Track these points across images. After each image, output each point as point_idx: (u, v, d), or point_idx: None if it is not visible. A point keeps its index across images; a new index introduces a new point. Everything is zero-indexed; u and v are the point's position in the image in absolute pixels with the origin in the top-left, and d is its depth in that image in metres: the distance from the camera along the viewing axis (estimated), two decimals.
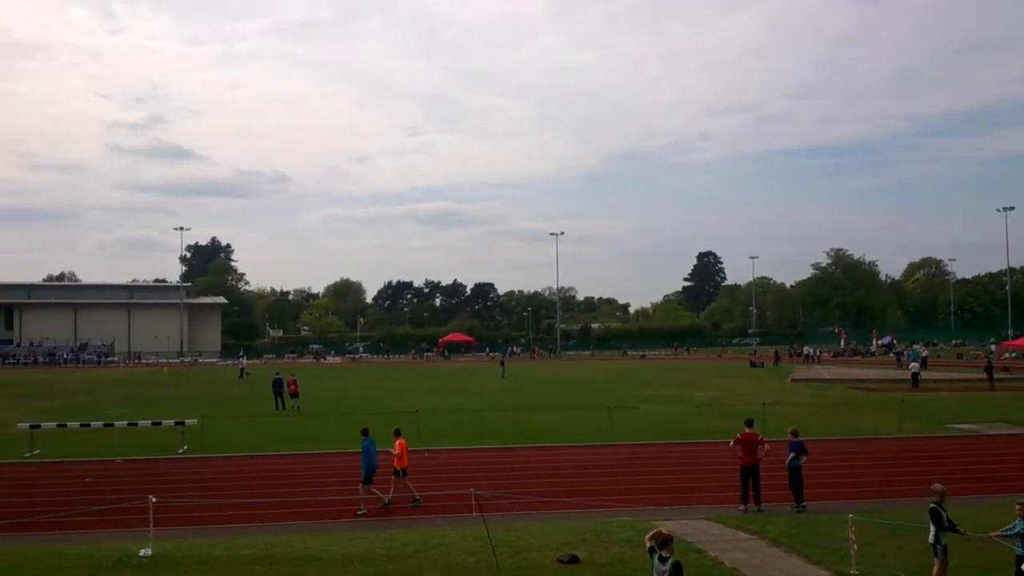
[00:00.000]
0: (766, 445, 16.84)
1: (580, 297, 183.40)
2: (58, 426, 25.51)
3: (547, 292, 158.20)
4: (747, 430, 16.97)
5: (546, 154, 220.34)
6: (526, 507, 16.30)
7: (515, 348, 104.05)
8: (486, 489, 16.58)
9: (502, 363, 61.48)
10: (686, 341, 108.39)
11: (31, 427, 24.36)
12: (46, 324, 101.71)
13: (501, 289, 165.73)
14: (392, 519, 16.33)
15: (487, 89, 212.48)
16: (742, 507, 16.53)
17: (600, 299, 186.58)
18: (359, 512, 16.64)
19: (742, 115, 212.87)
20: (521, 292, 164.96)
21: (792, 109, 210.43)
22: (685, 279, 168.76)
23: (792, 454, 16.56)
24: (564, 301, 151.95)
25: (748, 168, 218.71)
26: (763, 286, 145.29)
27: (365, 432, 17.26)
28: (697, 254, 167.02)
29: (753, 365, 65.40)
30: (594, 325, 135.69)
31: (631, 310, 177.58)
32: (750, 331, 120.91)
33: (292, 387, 36.06)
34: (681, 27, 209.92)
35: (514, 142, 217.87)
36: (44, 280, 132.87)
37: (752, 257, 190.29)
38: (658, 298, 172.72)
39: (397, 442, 17.30)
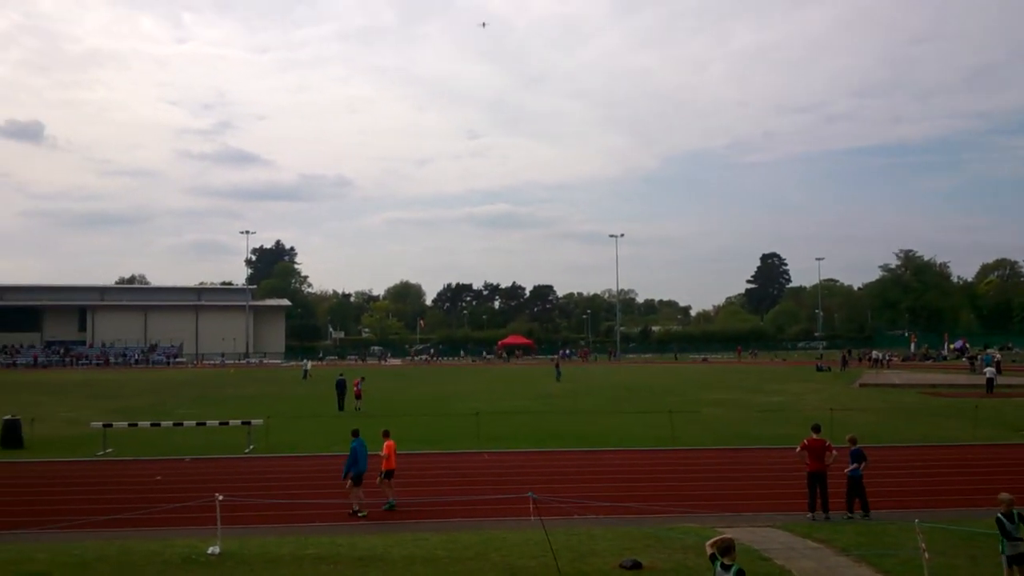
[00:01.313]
0: (834, 451, 16.43)
1: (640, 300, 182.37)
2: (129, 425, 26.20)
3: (607, 295, 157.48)
4: (814, 436, 16.58)
5: (606, 156, 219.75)
6: (586, 511, 16.19)
7: (567, 350, 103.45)
8: (545, 493, 16.53)
9: (557, 366, 61.37)
10: (749, 344, 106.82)
11: (104, 426, 25.03)
12: (118, 325, 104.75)
13: (560, 291, 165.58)
14: (391, 522, 16.34)
15: (547, 91, 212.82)
16: (809, 515, 16.16)
17: (661, 301, 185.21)
18: (358, 513, 16.53)
19: (807, 114, 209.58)
20: (580, 294, 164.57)
21: (859, 108, 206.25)
22: (748, 281, 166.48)
23: (853, 464, 16.17)
24: (624, 304, 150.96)
25: (813, 168, 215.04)
26: (829, 288, 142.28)
27: (356, 433, 17.21)
28: (760, 256, 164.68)
29: (819, 369, 64.07)
30: (655, 328, 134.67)
31: (692, 313, 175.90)
32: (816, 334, 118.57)
33: (356, 388, 36.45)
34: (745, 26, 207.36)
35: (574, 144, 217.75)
36: (116, 283, 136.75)
37: (818, 259, 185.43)
38: (720, 301, 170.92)
39: (385, 444, 17.25)
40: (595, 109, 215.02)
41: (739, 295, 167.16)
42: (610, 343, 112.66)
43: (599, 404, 38.83)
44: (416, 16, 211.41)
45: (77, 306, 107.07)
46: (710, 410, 35.31)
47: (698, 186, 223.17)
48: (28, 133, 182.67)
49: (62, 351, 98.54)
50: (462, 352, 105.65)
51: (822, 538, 14.29)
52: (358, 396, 36.21)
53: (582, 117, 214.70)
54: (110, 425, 25.31)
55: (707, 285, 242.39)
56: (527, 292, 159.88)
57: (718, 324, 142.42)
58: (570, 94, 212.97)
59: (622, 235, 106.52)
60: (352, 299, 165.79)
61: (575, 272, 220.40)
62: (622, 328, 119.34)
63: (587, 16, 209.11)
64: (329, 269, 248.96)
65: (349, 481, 16.56)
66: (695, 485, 19.63)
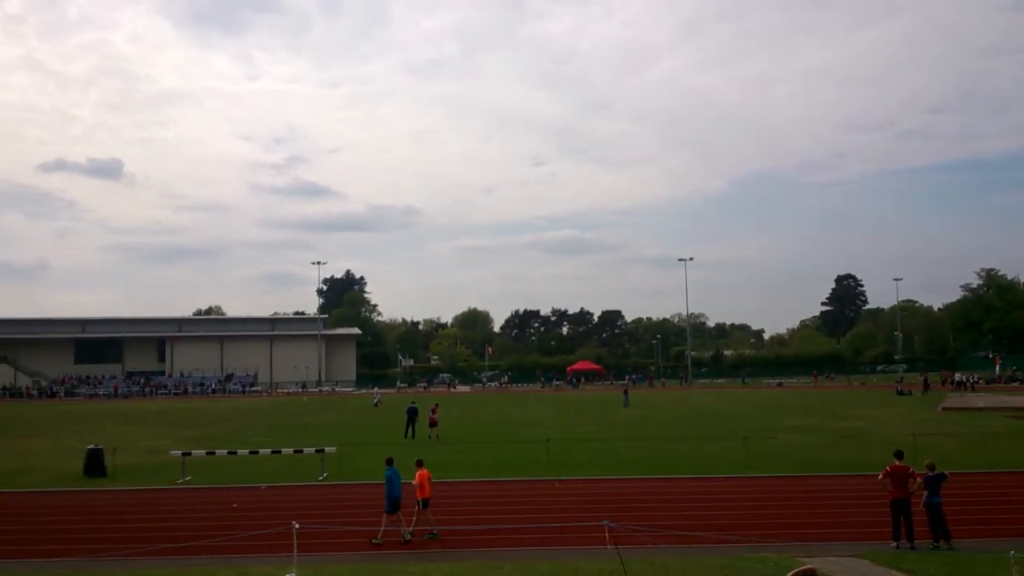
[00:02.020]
0: (918, 478, 15.86)
1: (711, 324, 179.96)
2: (207, 454, 26.76)
3: (676, 319, 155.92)
4: (897, 462, 16.04)
5: (672, 179, 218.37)
6: (661, 540, 15.89)
7: (634, 376, 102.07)
8: (619, 521, 16.28)
9: (625, 392, 60.29)
10: (826, 368, 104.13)
11: (183, 454, 25.60)
12: (195, 356, 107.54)
13: (629, 316, 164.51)
14: (410, 551, 16.21)
15: (610, 115, 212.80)
16: (893, 544, 15.59)
17: (732, 325, 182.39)
18: (374, 541, 16.53)
19: (879, 132, 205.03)
20: (649, 319, 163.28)
21: (932, 124, 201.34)
22: (823, 303, 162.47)
23: (926, 492, 15.57)
24: (694, 328, 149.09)
25: (887, 186, 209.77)
26: (908, 310, 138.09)
27: (389, 462, 17.32)
28: (835, 277, 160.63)
29: (900, 393, 62.12)
30: (727, 352, 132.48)
31: (766, 336, 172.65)
32: (895, 357, 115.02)
33: (432, 416, 36.32)
34: (811, 44, 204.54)
35: (639, 168, 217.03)
36: (193, 314, 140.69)
37: (896, 279, 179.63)
38: (794, 324, 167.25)
39: (418, 473, 17.27)
40: (659, 131, 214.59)
41: (814, 318, 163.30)
42: (681, 368, 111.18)
43: (670, 430, 38.26)
44: (479, 46, 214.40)
45: (156, 337, 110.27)
46: (786, 436, 34.48)
47: (768, 207, 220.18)
48: (108, 171, 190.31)
49: (142, 381, 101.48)
50: (540, 379, 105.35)
51: (908, 568, 13.76)
52: (433, 424, 36.10)
53: (646, 140, 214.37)
54: (189, 454, 25.87)
55: (780, 308, 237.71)
56: (595, 317, 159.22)
57: (793, 348, 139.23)
58: (634, 117, 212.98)
59: (691, 258, 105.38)
60: (421, 327, 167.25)
61: (643, 297, 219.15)
62: (693, 353, 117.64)
63: (650, 39, 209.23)
64: (398, 298, 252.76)
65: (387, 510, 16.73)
66: (772, 513, 19.12)
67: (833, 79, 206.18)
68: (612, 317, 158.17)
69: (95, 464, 26.08)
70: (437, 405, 38.23)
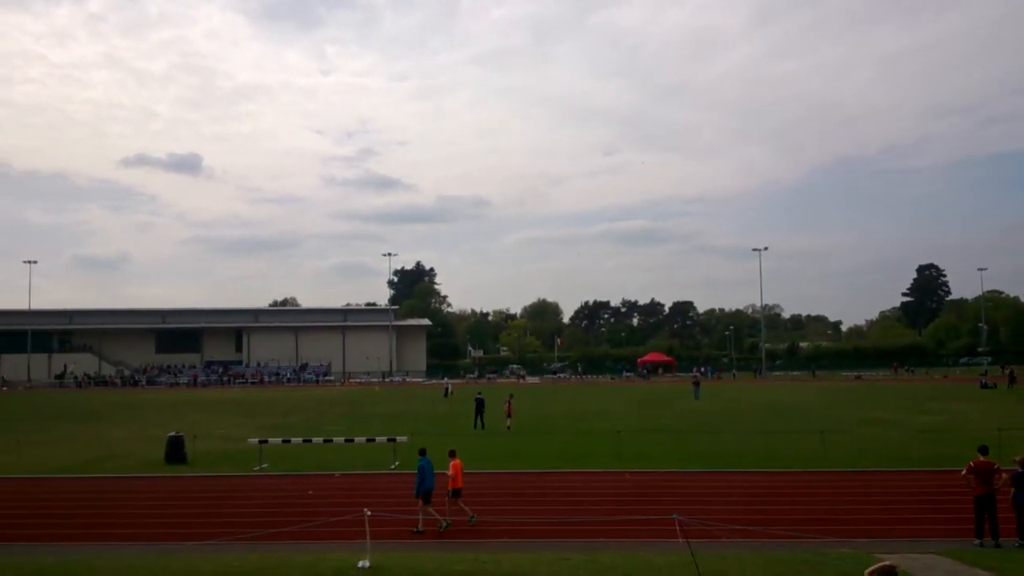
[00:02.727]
0: (1003, 474, 15.29)
1: (786, 315, 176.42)
2: (283, 442, 27.34)
3: (750, 310, 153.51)
4: (981, 458, 15.49)
5: (747, 167, 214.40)
6: (734, 535, 15.66)
7: (702, 368, 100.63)
8: (689, 514, 16.08)
9: (696, 384, 59.30)
10: (906, 361, 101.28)
11: (259, 442, 26.20)
12: (271, 346, 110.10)
13: (701, 307, 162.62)
14: (455, 540, 16.14)
15: (683, 104, 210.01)
16: (977, 541, 15.08)
17: (809, 317, 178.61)
18: (415, 530, 16.75)
19: (964, 116, 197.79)
20: (722, 310, 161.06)
21: (1020, 108, 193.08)
22: (904, 294, 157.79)
23: (1013, 488, 14.97)
24: (769, 319, 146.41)
25: (972, 173, 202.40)
26: (994, 300, 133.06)
27: (422, 452, 17.58)
28: (917, 267, 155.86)
29: (984, 387, 60.04)
30: (802, 344, 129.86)
31: (843, 328, 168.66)
32: (979, 350, 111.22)
33: (507, 407, 36.48)
34: (893, 28, 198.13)
35: (712, 156, 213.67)
36: (269, 305, 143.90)
37: (980, 269, 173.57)
38: (874, 315, 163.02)
39: (452, 464, 17.41)
40: (733, 119, 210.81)
41: (894, 309, 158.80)
42: (755, 360, 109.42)
43: (743, 423, 37.67)
44: (549, 36, 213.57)
45: (234, 328, 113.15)
46: (865, 430, 33.62)
47: (847, 195, 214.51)
48: (187, 165, 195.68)
49: (220, 370, 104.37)
50: (610, 371, 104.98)
51: (992, 566, 13.28)
52: (509, 415, 36.33)
53: (720, 128, 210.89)
54: (265, 441, 26.44)
55: (859, 299, 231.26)
56: (666, 308, 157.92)
57: (872, 340, 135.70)
58: (707, 105, 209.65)
59: (766, 248, 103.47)
60: (490, 318, 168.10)
61: (716, 287, 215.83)
62: (767, 345, 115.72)
63: (724, 26, 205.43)
64: (467, 288, 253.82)
65: (421, 500, 16.96)
66: (849, 508, 18.66)
67: (916, 63, 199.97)
68: (684, 308, 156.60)
69: (176, 451, 26.88)
70: (511, 395, 38.26)
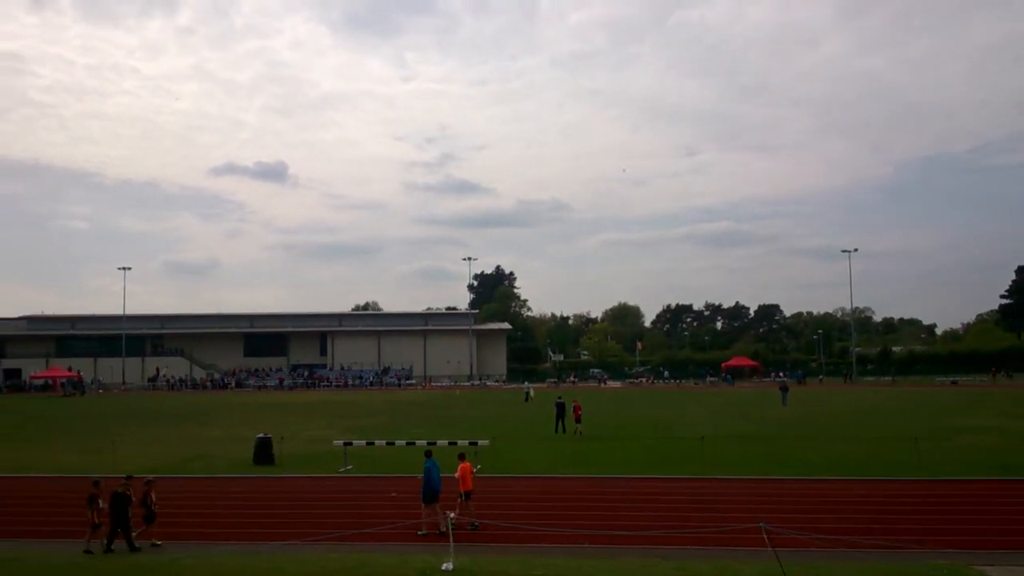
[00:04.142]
0: None
1: (877, 318, 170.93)
2: (367, 444, 27.66)
3: (839, 313, 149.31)
4: None
5: (833, 166, 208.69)
6: (824, 544, 15.13)
7: (785, 373, 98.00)
8: (778, 523, 15.65)
9: (783, 389, 57.71)
10: (1005, 365, 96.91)
11: (344, 444, 26.57)
12: (354, 350, 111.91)
13: (787, 311, 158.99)
14: (475, 544, 15.81)
15: (766, 103, 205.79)
16: None
17: (901, 320, 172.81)
18: (427, 531, 16.83)
19: None
20: (810, 313, 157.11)
21: None
22: (1002, 296, 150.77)
23: None
24: (859, 323, 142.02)
25: None
26: None
27: (428, 455, 17.70)
28: (1016, 267, 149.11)
29: None
30: (895, 348, 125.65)
31: (938, 331, 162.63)
32: None
33: (577, 412, 36.40)
34: (984, 19, 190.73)
35: (797, 156, 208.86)
36: (352, 309, 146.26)
37: None
38: (970, 318, 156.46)
39: (460, 466, 17.57)
40: (819, 117, 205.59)
41: (992, 311, 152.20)
42: (844, 365, 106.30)
43: (833, 430, 36.59)
44: (628, 37, 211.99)
45: (318, 332, 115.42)
46: (963, 437, 32.26)
47: (939, 193, 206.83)
48: (274, 173, 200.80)
49: (305, 374, 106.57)
50: (694, 376, 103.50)
51: None
52: (578, 420, 36.15)
53: (805, 126, 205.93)
54: (350, 443, 26.80)
55: (954, 301, 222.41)
56: (751, 312, 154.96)
57: (968, 343, 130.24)
58: (791, 103, 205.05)
59: (855, 249, 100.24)
60: (570, 322, 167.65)
61: (803, 290, 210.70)
62: (857, 349, 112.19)
63: (808, 22, 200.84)
64: (548, 292, 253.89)
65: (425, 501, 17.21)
66: (946, 518, 17.89)
67: (1010, 56, 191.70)
68: (770, 311, 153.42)
69: (264, 452, 27.49)
70: (579, 403, 37.96)
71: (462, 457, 18.18)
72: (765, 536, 14.06)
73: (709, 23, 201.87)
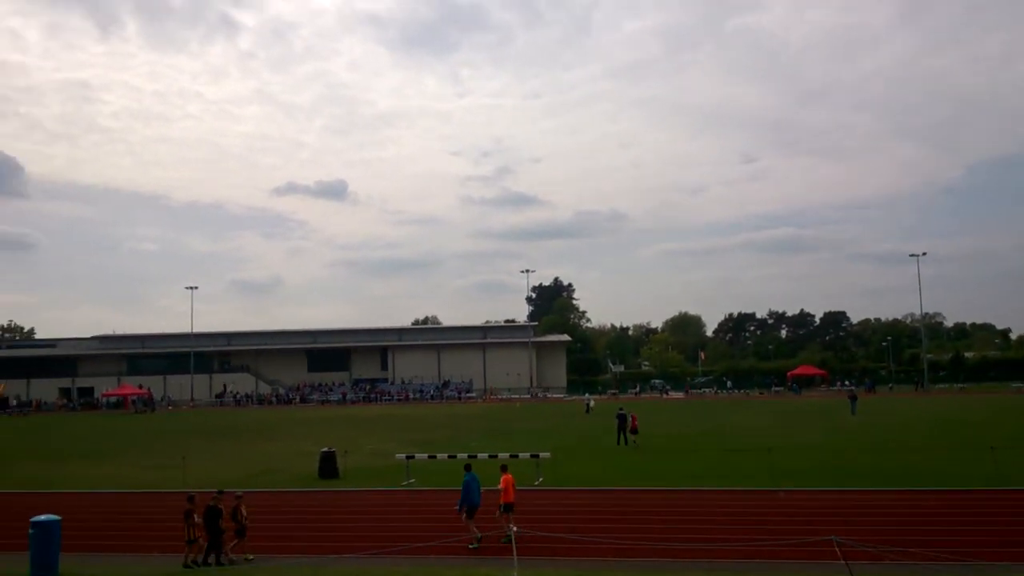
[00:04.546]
0: None
1: (949, 323, 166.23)
2: (429, 457, 27.71)
3: (909, 319, 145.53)
4: None
5: (899, 169, 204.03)
6: (898, 558, 14.65)
7: (851, 382, 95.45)
8: (850, 535, 15.22)
9: (851, 398, 56.28)
10: None
11: (407, 458, 26.68)
12: (414, 364, 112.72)
13: (854, 317, 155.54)
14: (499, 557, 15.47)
15: (827, 106, 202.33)
16: None
17: (974, 325, 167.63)
18: (471, 546, 16.67)
19: None
20: (878, 320, 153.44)
21: None
22: None
23: None
24: (930, 329, 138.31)
25: None
26: None
27: (468, 468, 17.70)
28: None
29: None
30: (967, 354, 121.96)
31: (1012, 336, 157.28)
32: None
33: (633, 423, 36.17)
34: None
35: (861, 159, 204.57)
36: (412, 323, 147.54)
37: None
38: None
39: (503, 478, 17.38)
40: (883, 120, 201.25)
41: None
42: (915, 372, 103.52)
43: (905, 439, 35.58)
44: (684, 44, 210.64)
45: (379, 346, 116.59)
46: None
47: (1013, 194, 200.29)
48: (334, 191, 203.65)
49: (367, 388, 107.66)
50: (762, 385, 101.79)
51: None
52: (634, 431, 35.84)
53: (868, 129, 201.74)
54: (412, 457, 26.89)
55: None
56: (817, 319, 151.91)
57: None
58: (853, 106, 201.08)
59: (924, 254, 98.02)
60: (630, 332, 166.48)
61: (871, 296, 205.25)
62: (929, 355, 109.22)
63: (870, 22, 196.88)
64: (606, 303, 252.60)
65: (464, 515, 17.11)
66: None
67: None
68: (836, 318, 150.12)
69: (328, 466, 27.77)
70: (635, 414, 37.59)
71: (504, 469, 18.03)
72: (838, 549, 13.69)
73: (766, 28, 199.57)
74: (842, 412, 52.87)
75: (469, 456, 27.79)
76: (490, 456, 27.64)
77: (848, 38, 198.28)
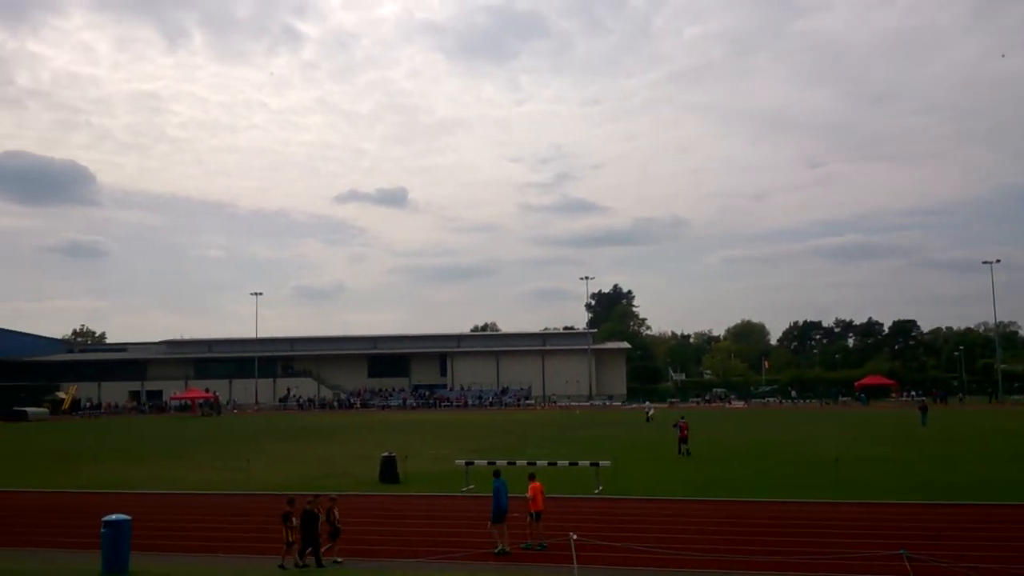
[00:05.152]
0: None
1: None
2: (488, 463, 27.68)
3: (982, 328, 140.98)
4: None
5: (971, 174, 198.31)
6: (971, 574, 14.13)
7: (918, 392, 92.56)
8: (920, 550, 14.76)
9: (922, 408, 54.71)
10: None
11: (466, 464, 26.72)
12: (473, 370, 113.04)
13: (925, 326, 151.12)
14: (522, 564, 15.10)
15: (896, 110, 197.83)
16: None
17: None
18: (496, 551, 16.67)
19: None
20: (950, 329, 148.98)
21: None
22: None
23: None
24: (1004, 338, 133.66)
25: None
26: None
27: (496, 474, 17.61)
28: None
29: None
30: None
31: None
32: None
33: (684, 432, 35.74)
34: None
35: (931, 164, 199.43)
36: (471, 330, 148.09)
37: None
38: None
39: (531, 486, 17.34)
40: (953, 123, 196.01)
41: None
42: (989, 383, 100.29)
43: (979, 451, 34.44)
44: (746, 49, 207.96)
45: (438, 352, 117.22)
46: None
47: None
48: (394, 199, 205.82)
49: (426, 394, 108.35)
50: (828, 395, 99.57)
51: None
52: (683, 440, 35.37)
53: (938, 133, 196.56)
54: (471, 463, 26.92)
55: None
56: (886, 328, 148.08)
57: None
58: (922, 110, 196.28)
59: (997, 260, 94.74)
60: (691, 340, 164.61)
61: (942, 304, 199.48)
62: (1003, 366, 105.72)
63: (939, 24, 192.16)
64: (667, 310, 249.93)
65: (491, 520, 17.13)
66: None
67: None
68: (905, 327, 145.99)
69: (389, 471, 27.99)
70: (687, 422, 36.99)
71: (532, 477, 18.03)
72: (907, 564, 13.28)
73: (830, 31, 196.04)
74: (912, 423, 51.43)
75: (528, 463, 27.81)
76: (549, 463, 27.58)
77: (915, 40, 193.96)
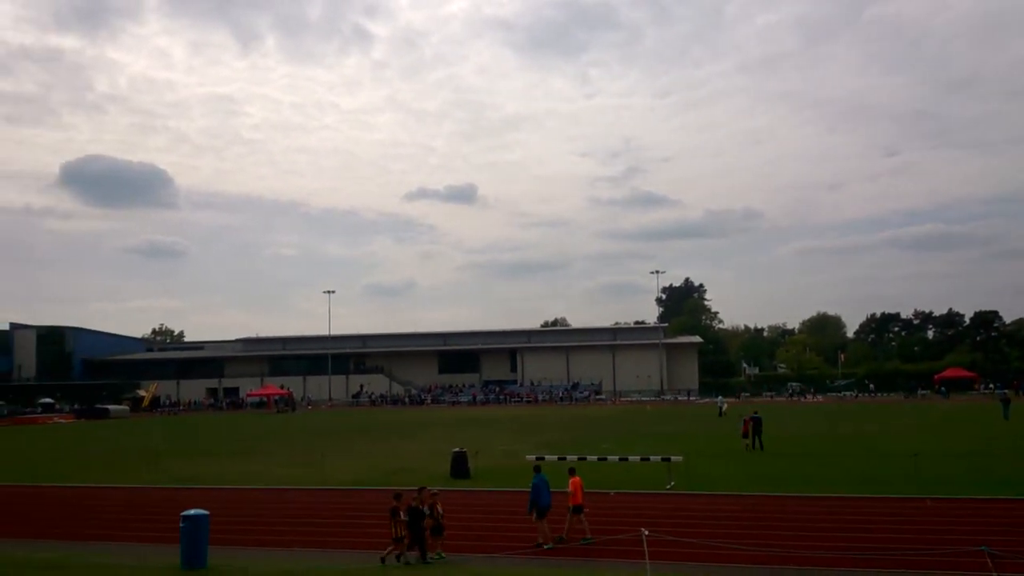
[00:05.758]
0: None
1: None
2: (559, 459, 27.76)
3: None
4: None
5: None
6: None
7: (1000, 384, 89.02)
8: (1002, 546, 14.36)
9: (1004, 402, 53.00)
10: None
11: (536, 459, 26.80)
12: (543, 365, 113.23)
13: (1008, 317, 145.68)
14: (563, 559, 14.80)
15: (975, 96, 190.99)
16: None
17: None
18: (545, 546, 16.87)
19: None
20: None
21: None
22: None
23: None
24: None
25: None
26: None
27: (537, 469, 17.76)
28: None
29: None
30: None
31: None
32: None
33: (745, 427, 35.21)
34: None
35: (1013, 151, 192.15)
36: (541, 326, 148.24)
37: None
38: None
39: (571, 481, 17.41)
40: None
41: None
42: None
43: None
44: (819, 36, 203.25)
45: (508, 348, 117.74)
46: None
47: None
48: (463, 195, 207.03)
49: (497, 389, 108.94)
50: (907, 388, 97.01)
51: None
52: (745, 435, 34.99)
53: (1018, 120, 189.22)
54: (542, 458, 26.93)
55: None
56: (967, 319, 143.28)
57: None
58: (1004, 95, 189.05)
59: None
60: (765, 333, 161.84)
61: None
62: None
63: (1019, 7, 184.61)
64: (740, 304, 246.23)
65: (534, 515, 17.22)
66: None
67: None
68: (987, 318, 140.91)
69: (460, 466, 28.28)
70: (748, 417, 36.46)
71: (572, 472, 18.12)
72: (989, 561, 12.94)
73: (907, 16, 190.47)
74: (994, 416, 49.79)
75: (599, 459, 27.82)
76: (620, 459, 27.57)
77: (995, 24, 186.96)
